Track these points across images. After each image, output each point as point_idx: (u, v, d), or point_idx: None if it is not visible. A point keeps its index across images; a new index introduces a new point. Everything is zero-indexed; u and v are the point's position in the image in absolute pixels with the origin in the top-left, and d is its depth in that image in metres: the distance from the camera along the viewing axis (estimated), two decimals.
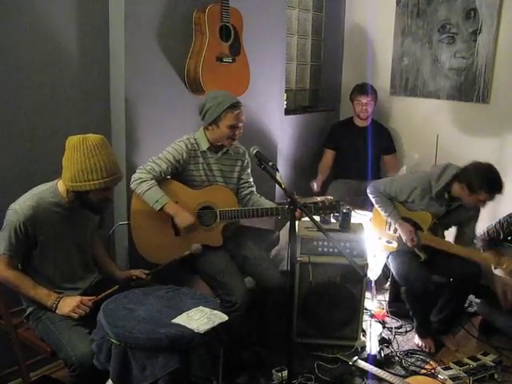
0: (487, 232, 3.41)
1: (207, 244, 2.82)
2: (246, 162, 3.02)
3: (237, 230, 3.04)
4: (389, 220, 3.30)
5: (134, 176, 2.72)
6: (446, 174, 3.14)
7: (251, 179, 3.06)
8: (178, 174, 2.86)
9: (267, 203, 2.94)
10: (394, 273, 3.27)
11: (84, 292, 2.34)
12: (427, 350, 3.17)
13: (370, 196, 3.34)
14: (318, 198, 3.52)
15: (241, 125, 2.81)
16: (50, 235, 2.22)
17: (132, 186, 2.71)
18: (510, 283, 3.08)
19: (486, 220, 3.50)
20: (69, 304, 2.21)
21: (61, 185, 2.24)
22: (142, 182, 2.68)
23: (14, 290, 2.23)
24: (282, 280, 2.86)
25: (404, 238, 3.20)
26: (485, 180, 2.99)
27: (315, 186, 4.23)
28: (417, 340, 3.25)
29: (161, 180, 2.76)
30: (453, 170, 3.12)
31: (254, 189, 3.05)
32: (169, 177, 2.85)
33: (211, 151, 2.89)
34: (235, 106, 2.76)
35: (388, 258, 3.36)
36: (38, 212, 2.16)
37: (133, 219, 2.80)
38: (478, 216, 3.27)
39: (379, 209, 3.29)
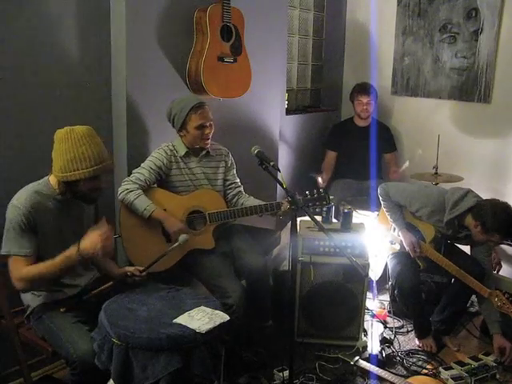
0: None
1: (199, 248, 2.83)
2: (230, 162, 3.03)
3: (228, 229, 3.04)
4: (394, 226, 3.29)
5: (121, 188, 2.74)
6: (462, 203, 2.98)
7: (238, 180, 3.06)
8: (162, 181, 2.87)
9: (255, 202, 2.93)
10: (390, 273, 3.28)
11: (83, 289, 2.34)
12: (428, 350, 3.17)
13: (380, 198, 3.31)
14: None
15: (209, 124, 2.84)
16: (47, 229, 2.22)
17: (120, 197, 2.73)
18: (505, 343, 3.05)
19: None
20: (91, 244, 2.11)
21: (52, 178, 2.25)
22: (128, 192, 2.71)
23: (43, 282, 2.16)
24: (264, 264, 2.86)
25: (406, 248, 3.18)
26: (501, 224, 2.86)
27: (320, 180, 4.19)
28: (417, 340, 3.25)
29: (147, 189, 2.78)
30: (470, 202, 2.97)
31: (241, 189, 3.05)
32: (155, 185, 2.86)
33: (190, 155, 2.91)
34: (198, 106, 2.80)
35: (388, 258, 3.36)
36: (35, 205, 2.16)
37: (123, 231, 2.79)
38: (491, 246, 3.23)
39: (386, 213, 3.27)
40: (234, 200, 3.01)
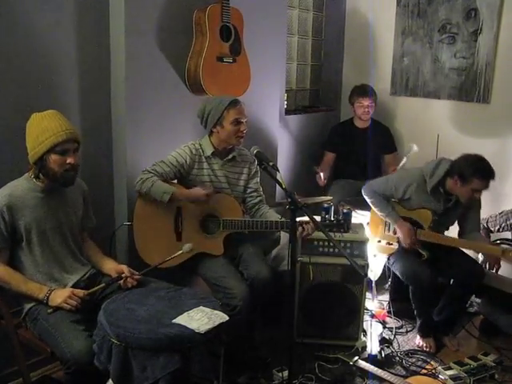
0: (486, 221, 3.44)
1: (208, 252, 2.82)
2: (255, 170, 3.00)
3: (239, 234, 3.00)
4: (387, 220, 3.29)
5: (137, 178, 2.75)
6: (439, 169, 3.13)
7: (260, 189, 3.04)
8: (183, 179, 2.86)
9: (274, 216, 2.89)
10: (400, 274, 3.24)
11: (76, 284, 2.34)
12: (428, 350, 3.17)
13: (366, 197, 3.34)
14: (318, 199, 3.53)
15: (244, 120, 2.83)
16: (30, 221, 2.23)
17: (136, 187, 2.74)
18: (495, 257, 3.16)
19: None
20: (60, 295, 2.22)
21: (30, 171, 2.28)
22: (144, 180, 2.71)
23: (5, 288, 2.24)
24: (270, 275, 2.83)
25: (402, 238, 3.19)
26: (475, 167, 3.00)
27: (322, 177, 4.14)
28: (418, 340, 3.25)
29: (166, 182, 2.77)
30: (445, 166, 3.11)
31: (263, 198, 3.02)
32: (175, 181, 2.86)
33: (216, 156, 2.89)
34: (235, 102, 2.80)
35: (389, 259, 3.35)
36: (13, 199, 2.20)
37: (136, 221, 2.81)
38: (480, 205, 3.28)
39: (376, 209, 3.29)
40: (254, 209, 2.98)
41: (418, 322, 3.27)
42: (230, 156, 2.91)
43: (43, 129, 2.18)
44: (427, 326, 3.24)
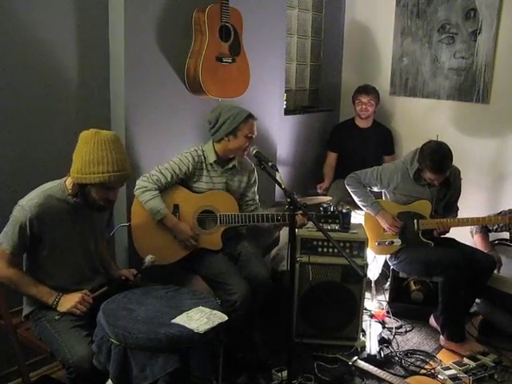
0: None
1: (206, 248, 2.83)
2: (254, 179, 3.02)
3: (237, 232, 3.03)
4: (368, 211, 3.34)
5: (139, 183, 2.76)
6: (415, 158, 3.28)
7: (257, 197, 3.06)
8: (184, 183, 2.88)
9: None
10: (426, 265, 3.23)
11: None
12: (480, 350, 3.09)
13: (349, 187, 3.40)
14: (318, 199, 3.53)
15: (254, 136, 2.85)
16: (56, 233, 2.21)
17: (136, 192, 2.75)
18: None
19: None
20: (70, 300, 2.20)
21: (69, 182, 2.23)
22: (146, 190, 2.73)
23: (15, 289, 2.22)
24: (269, 276, 2.85)
25: (387, 225, 3.27)
26: (430, 160, 3.13)
27: (319, 190, 4.24)
28: (460, 350, 3.12)
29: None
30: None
31: (258, 207, 3.04)
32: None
33: (217, 164, 2.90)
34: (252, 116, 2.82)
35: (393, 259, 3.36)
36: (45, 209, 2.15)
37: (133, 220, 2.82)
38: (457, 187, 3.45)
39: (358, 200, 3.35)
40: None
41: (449, 328, 3.17)
42: (231, 165, 2.92)
43: (98, 159, 2.10)
44: (463, 325, 3.18)
